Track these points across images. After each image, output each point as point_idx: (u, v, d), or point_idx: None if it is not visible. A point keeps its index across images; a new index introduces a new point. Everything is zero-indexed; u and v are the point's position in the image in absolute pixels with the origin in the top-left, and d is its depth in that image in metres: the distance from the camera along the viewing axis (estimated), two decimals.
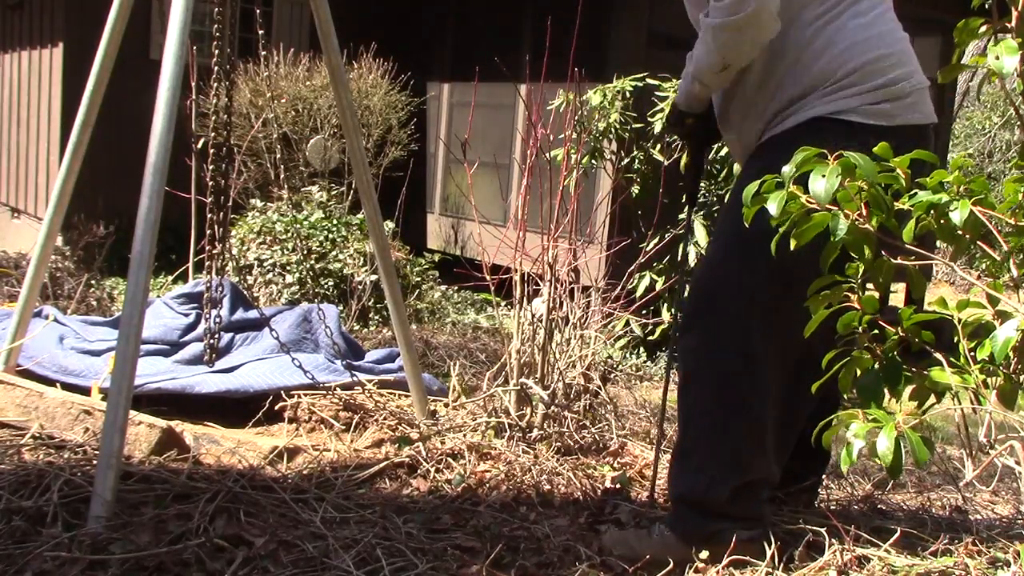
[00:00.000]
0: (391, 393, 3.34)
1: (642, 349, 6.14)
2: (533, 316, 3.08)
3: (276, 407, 3.08)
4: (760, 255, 1.66)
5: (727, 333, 2.03)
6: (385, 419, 2.98)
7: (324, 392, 3.09)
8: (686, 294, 2.27)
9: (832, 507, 2.50)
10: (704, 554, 2.01)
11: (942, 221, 1.35)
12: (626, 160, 6.15)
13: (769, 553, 1.98)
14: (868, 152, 1.41)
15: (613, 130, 6.18)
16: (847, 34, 2.01)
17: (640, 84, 6.14)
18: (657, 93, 6.02)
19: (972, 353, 1.36)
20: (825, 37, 2.02)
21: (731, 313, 2.03)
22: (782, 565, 1.99)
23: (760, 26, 1.97)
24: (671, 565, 2.00)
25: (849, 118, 1.97)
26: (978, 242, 1.38)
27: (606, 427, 3.05)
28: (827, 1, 2.04)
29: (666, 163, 5.85)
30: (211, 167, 2.82)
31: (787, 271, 1.80)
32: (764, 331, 2.00)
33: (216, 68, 2.81)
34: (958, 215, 1.32)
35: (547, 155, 3.57)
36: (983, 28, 1.42)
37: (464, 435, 2.85)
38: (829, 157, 1.38)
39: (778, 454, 2.10)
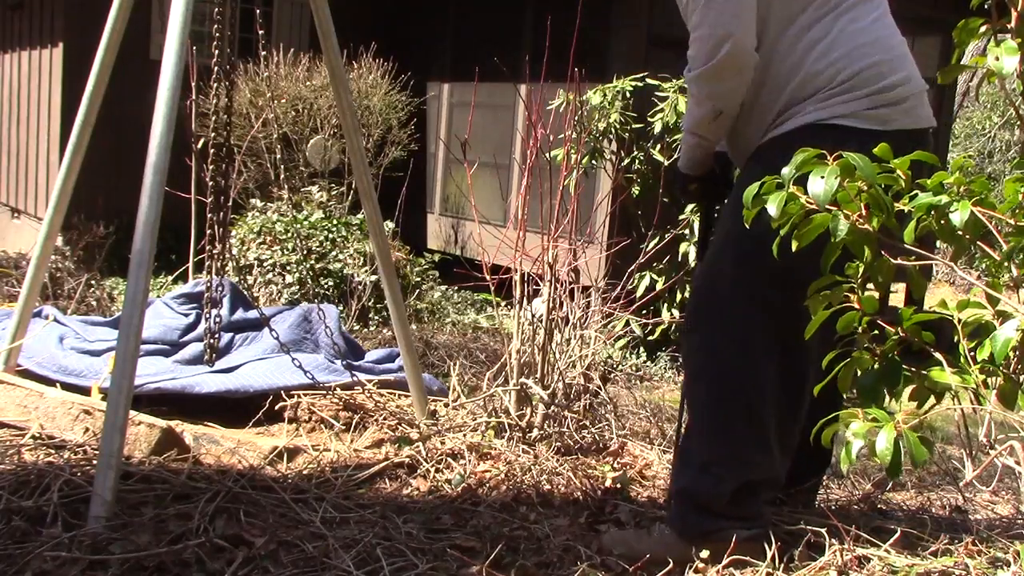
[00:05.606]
0: (391, 393, 3.33)
1: (642, 349, 6.14)
2: (533, 316, 3.08)
3: (276, 407, 3.08)
4: (760, 254, 1.66)
5: (728, 333, 2.04)
6: (385, 419, 2.98)
7: (324, 392, 3.09)
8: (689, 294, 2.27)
9: (832, 507, 2.50)
10: (704, 554, 2.01)
11: (942, 222, 1.35)
12: (626, 160, 6.16)
13: (769, 553, 1.98)
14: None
15: (613, 130, 6.19)
16: (843, 40, 2.02)
17: (640, 84, 6.15)
18: (657, 93, 6.02)
19: (972, 353, 1.36)
20: (822, 44, 2.02)
21: (732, 313, 2.03)
22: (782, 565, 1.99)
23: (739, 66, 2.01)
24: (671, 565, 2.00)
25: (845, 123, 1.98)
26: (978, 242, 1.38)
27: (606, 427, 3.05)
28: (822, 8, 2.04)
29: (666, 163, 5.85)
30: (211, 167, 2.81)
31: (787, 271, 1.80)
32: (765, 330, 2.01)
33: (216, 68, 2.81)
34: (958, 216, 1.32)
35: (547, 155, 3.57)
36: (983, 28, 1.42)
37: (464, 435, 2.85)
38: (829, 158, 1.38)
39: (783, 453, 2.10)
